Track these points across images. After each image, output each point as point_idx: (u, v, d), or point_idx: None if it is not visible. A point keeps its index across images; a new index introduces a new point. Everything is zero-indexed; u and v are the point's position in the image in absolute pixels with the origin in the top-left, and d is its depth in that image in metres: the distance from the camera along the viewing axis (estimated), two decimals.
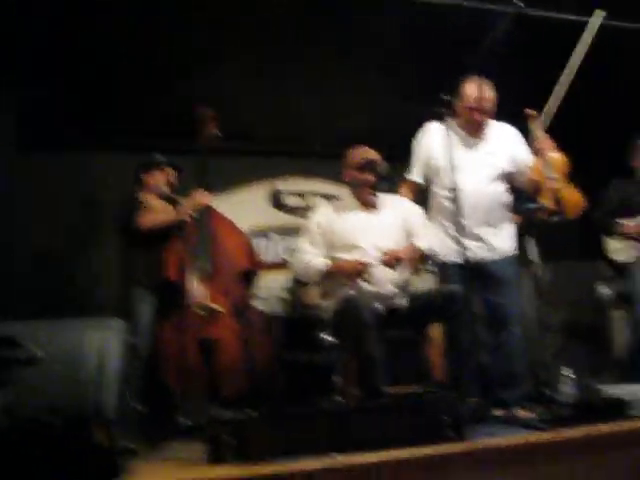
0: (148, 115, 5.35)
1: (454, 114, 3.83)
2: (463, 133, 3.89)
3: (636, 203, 4.97)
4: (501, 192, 3.91)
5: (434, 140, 3.77)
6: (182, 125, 4.55)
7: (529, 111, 3.81)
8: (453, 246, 3.66)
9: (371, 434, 2.42)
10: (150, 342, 4.08)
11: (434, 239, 3.74)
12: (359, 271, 3.50)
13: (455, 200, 3.29)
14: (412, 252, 3.57)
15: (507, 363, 3.73)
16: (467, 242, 3.68)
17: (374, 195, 3.74)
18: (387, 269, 3.56)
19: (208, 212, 4.31)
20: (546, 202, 3.71)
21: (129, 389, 2.32)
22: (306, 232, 3.83)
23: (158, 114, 5.36)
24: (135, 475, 2.21)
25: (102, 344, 2.15)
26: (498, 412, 3.32)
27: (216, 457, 2.38)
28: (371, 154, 3.77)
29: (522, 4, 3.06)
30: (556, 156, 3.76)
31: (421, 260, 3.60)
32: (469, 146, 3.84)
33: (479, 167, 3.81)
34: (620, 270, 5.13)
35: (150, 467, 2.50)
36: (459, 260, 3.58)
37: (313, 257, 3.70)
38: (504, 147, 3.90)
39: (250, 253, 4.42)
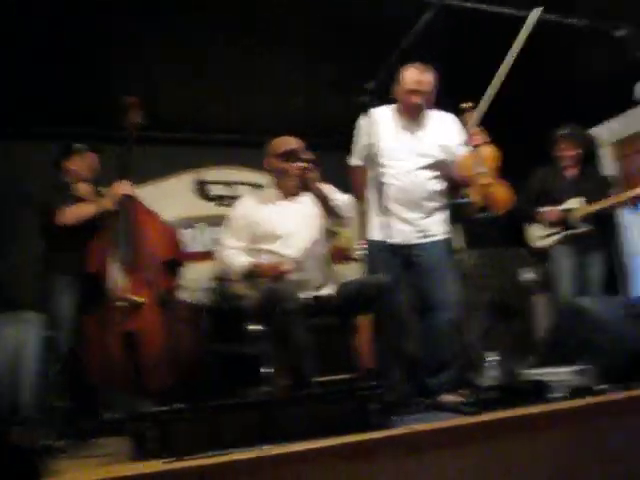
0: (68, 103, 5.21)
1: (394, 99, 3.84)
2: (401, 117, 3.89)
3: (556, 191, 5.10)
4: (433, 178, 3.91)
5: (373, 125, 3.74)
6: (104, 113, 4.46)
7: (464, 104, 3.80)
8: (385, 229, 3.63)
9: (298, 424, 2.40)
10: (71, 336, 3.99)
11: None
12: (278, 274, 3.49)
13: (384, 184, 3.28)
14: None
15: (436, 349, 3.77)
16: (398, 225, 3.71)
17: (296, 184, 3.72)
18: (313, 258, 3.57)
19: (130, 202, 4.22)
20: (475, 198, 3.71)
21: (48, 385, 2.23)
22: (228, 224, 3.83)
23: (79, 102, 5.24)
24: (57, 474, 2.15)
25: (18, 339, 2.06)
26: (425, 398, 3.36)
27: (140, 452, 2.32)
28: (294, 143, 3.75)
29: None
30: (487, 150, 3.73)
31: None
32: (405, 131, 3.86)
33: (412, 152, 3.83)
34: (541, 256, 5.26)
35: (73, 465, 2.44)
36: (389, 241, 3.58)
37: (235, 254, 3.70)
38: (439, 134, 3.91)
39: (174, 243, 4.36)
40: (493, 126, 3.77)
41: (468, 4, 3.23)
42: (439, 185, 3.95)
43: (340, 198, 3.71)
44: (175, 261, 4.29)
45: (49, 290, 4.14)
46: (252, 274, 3.64)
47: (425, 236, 3.85)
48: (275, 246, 3.65)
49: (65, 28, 4.45)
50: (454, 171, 3.91)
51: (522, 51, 3.62)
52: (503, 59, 3.64)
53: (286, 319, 3.21)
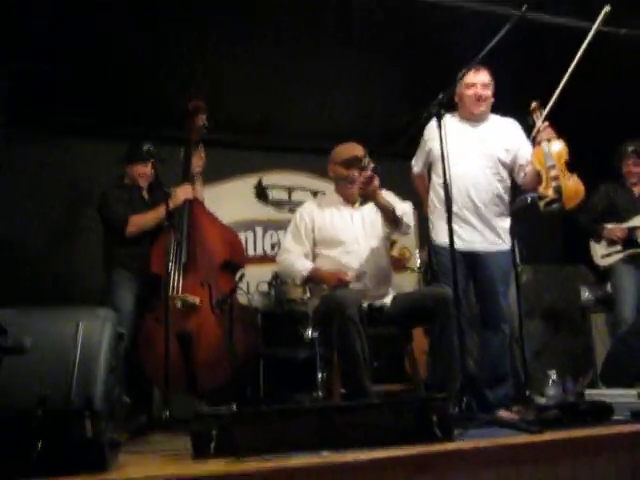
0: (134, 104, 5.31)
1: (453, 107, 3.83)
2: (462, 122, 3.88)
3: (622, 209, 5.02)
4: (497, 183, 3.87)
5: (435, 132, 3.73)
6: (169, 115, 4.53)
7: (533, 103, 3.84)
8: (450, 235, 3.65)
9: (358, 432, 2.40)
10: (131, 332, 4.06)
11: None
12: (339, 283, 3.48)
13: (449, 189, 3.25)
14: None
15: (494, 362, 3.74)
16: (463, 232, 3.70)
17: (358, 192, 3.66)
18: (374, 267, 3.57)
19: (191, 204, 4.30)
20: (546, 191, 3.67)
21: (117, 380, 2.28)
22: (290, 229, 3.83)
23: (144, 104, 5.33)
24: (121, 467, 2.19)
25: (93, 334, 2.10)
26: (484, 413, 3.33)
27: (201, 452, 2.35)
28: (357, 150, 3.74)
29: (523, 9, 3.02)
30: (557, 145, 3.74)
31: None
32: (467, 135, 3.83)
33: (475, 156, 3.81)
34: (603, 275, 5.18)
35: (134, 459, 2.48)
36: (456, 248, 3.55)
37: (297, 258, 3.69)
38: (502, 138, 3.89)
39: (233, 246, 4.40)
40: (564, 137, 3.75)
41: (545, 17, 3.18)
42: (503, 189, 3.90)
43: (401, 207, 3.69)
44: (233, 263, 4.34)
45: (111, 285, 4.27)
46: (312, 279, 3.65)
47: (490, 244, 3.82)
48: (336, 252, 3.64)
49: (131, 29, 4.54)
50: (522, 175, 3.89)
51: (594, 62, 3.58)
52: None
53: (345, 326, 3.18)
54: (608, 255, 5.02)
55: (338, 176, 3.80)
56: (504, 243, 3.87)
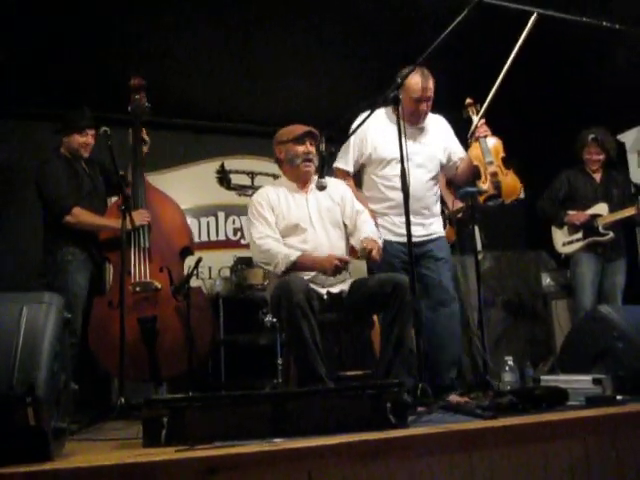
0: (74, 83, 5.15)
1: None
2: (402, 123, 3.84)
3: (583, 196, 5.06)
4: (435, 181, 4.01)
5: (371, 129, 3.74)
6: (114, 97, 4.42)
7: (469, 100, 3.93)
8: (393, 229, 3.80)
9: (311, 419, 2.37)
10: (82, 317, 3.97)
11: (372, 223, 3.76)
12: (337, 268, 3.38)
13: (396, 188, 3.29)
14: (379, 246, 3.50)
15: (444, 344, 3.78)
16: (401, 226, 3.69)
17: (308, 171, 3.65)
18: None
19: (146, 189, 4.23)
20: (484, 186, 3.80)
21: (64, 367, 2.23)
22: (256, 217, 3.63)
23: (88, 82, 5.19)
24: (68, 456, 2.14)
25: (36, 319, 2.04)
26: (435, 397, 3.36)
27: (152, 439, 2.31)
28: (302, 127, 3.66)
29: None
30: (493, 141, 3.86)
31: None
32: (408, 136, 3.76)
33: (417, 157, 3.81)
34: (564, 261, 5.22)
35: (84, 448, 2.44)
36: (398, 240, 3.70)
37: (280, 244, 3.53)
38: (439, 138, 4.00)
39: (188, 231, 4.36)
40: (520, 124, 3.77)
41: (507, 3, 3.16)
42: (437, 188, 4.06)
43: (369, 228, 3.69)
44: (188, 249, 4.30)
45: (61, 266, 4.08)
46: (302, 265, 3.46)
47: (432, 233, 3.95)
48: (294, 240, 3.57)
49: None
50: (455, 171, 4.07)
51: (555, 52, 3.58)
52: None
53: (292, 312, 3.14)
54: (569, 243, 5.07)
55: (290, 155, 3.65)
56: (441, 231, 4.04)
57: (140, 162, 4.27)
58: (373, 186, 3.95)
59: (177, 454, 2.07)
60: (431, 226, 3.96)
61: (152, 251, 4.06)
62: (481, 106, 3.86)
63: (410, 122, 3.83)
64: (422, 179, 3.86)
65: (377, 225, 3.81)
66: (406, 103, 3.79)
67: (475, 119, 3.87)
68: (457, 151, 4.04)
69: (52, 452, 2.00)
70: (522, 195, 3.93)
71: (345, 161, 3.98)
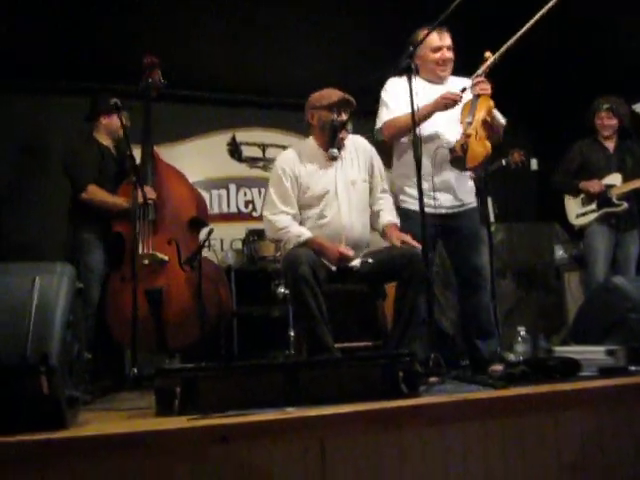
0: (93, 57, 5.16)
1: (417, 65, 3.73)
2: (424, 83, 3.79)
3: (595, 165, 5.00)
4: None
5: (400, 92, 3.65)
6: (132, 68, 4.40)
7: (488, 54, 3.68)
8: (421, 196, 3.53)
9: (323, 388, 2.38)
10: (99, 291, 4.03)
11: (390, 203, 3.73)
12: (339, 260, 3.39)
13: (418, 149, 3.21)
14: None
15: (478, 318, 3.76)
16: (432, 193, 3.61)
17: (345, 139, 3.60)
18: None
19: (154, 161, 4.23)
20: (457, 146, 3.61)
21: (77, 337, 2.24)
22: (275, 185, 3.57)
23: (105, 56, 5.18)
24: (82, 425, 2.16)
25: (49, 289, 2.05)
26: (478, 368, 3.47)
27: (165, 409, 2.32)
28: (339, 94, 3.57)
29: None
30: (483, 102, 3.63)
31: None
32: (432, 97, 3.66)
33: (442, 118, 3.70)
34: (577, 233, 5.18)
35: (98, 417, 2.46)
36: (428, 210, 3.45)
37: (292, 222, 3.49)
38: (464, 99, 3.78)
39: (198, 202, 4.36)
40: (534, 95, 3.69)
41: None
42: None
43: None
44: (199, 220, 4.29)
45: (81, 243, 4.20)
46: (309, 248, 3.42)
47: (462, 205, 3.80)
48: (315, 211, 3.53)
49: None
50: None
51: (568, 19, 3.50)
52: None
53: (298, 284, 3.14)
54: (583, 214, 5.02)
55: (322, 122, 3.56)
56: (471, 202, 3.87)
57: (149, 139, 4.25)
58: (403, 152, 3.81)
59: (189, 422, 2.08)
60: (463, 194, 3.82)
61: (158, 224, 4.07)
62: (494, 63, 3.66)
63: (432, 81, 3.80)
64: (448, 140, 3.71)
65: (405, 194, 3.77)
66: (427, 59, 3.80)
67: (480, 72, 3.67)
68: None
69: (66, 420, 2.02)
70: (484, 165, 3.80)
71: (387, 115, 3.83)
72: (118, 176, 4.32)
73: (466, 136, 3.57)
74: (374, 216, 3.69)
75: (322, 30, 5.22)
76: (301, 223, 3.54)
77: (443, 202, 3.71)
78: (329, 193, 3.54)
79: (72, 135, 4.48)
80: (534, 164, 5.61)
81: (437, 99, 3.51)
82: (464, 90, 3.57)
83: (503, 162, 4.90)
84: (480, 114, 3.60)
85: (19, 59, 5.03)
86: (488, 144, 3.59)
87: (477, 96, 3.65)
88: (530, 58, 3.74)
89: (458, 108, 3.67)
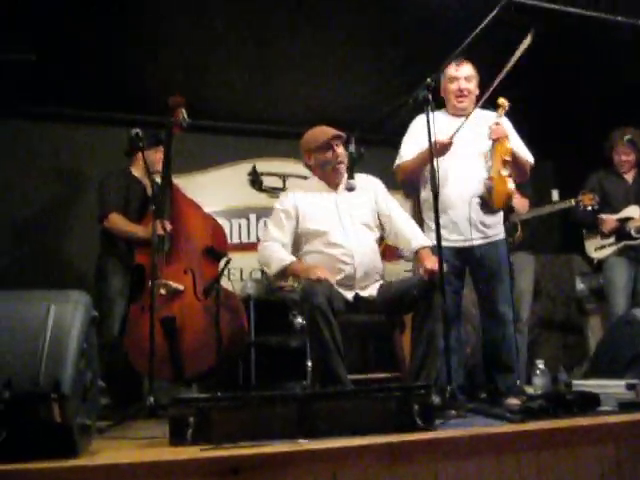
0: (123, 89, 5.24)
1: (439, 98, 3.77)
2: (450, 117, 3.82)
3: (614, 198, 4.97)
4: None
5: (420, 130, 3.65)
6: (155, 99, 4.46)
7: (501, 100, 3.75)
8: (446, 231, 3.62)
9: (337, 420, 2.36)
10: (119, 322, 4.08)
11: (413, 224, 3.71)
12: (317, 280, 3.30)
13: (436, 181, 3.23)
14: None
15: (498, 350, 3.74)
16: (457, 227, 3.70)
17: (341, 173, 3.63)
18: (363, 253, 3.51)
19: (172, 193, 4.26)
20: (483, 190, 3.73)
21: (91, 365, 2.24)
22: (273, 215, 3.68)
23: (135, 88, 5.27)
24: (93, 453, 2.16)
25: (64, 317, 2.06)
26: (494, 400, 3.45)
27: (178, 438, 2.32)
28: (328, 131, 3.63)
29: None
30: (500, 145, 3.71)
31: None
32: (456, 127, 3.69)
33: (466, 151, 3.75)
34: (597, 266, 5.14)
35: (111, 445, 2.45)
36: (448, 244, 3.56)
37: (277, 249, 3.53)
38: (486, 130, 3.81)
39: (215, 232, 4.38)
40: (551, 127, 3.69)
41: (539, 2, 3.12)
42: None
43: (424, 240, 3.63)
44: (216, 250, 4.31)
45: (105, 273, 4.28)
46: (287, 273, 3.52)
47: (486, 237, 3.78)
48: (320, 242, 3.53)
49: (113, 15, 4.45)
50: None
51: (582, 51, 3.49)
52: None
53: (313, 314, 3.13)
54: (601, 247, 4.98)
55: (320, 162, 3.64)
56: (497, 234, 3.84)
57: (168, 172, 4.29)
58: (424, 183, 3.86)
59: (202, 453, 2.07)
60: (489, 227, 3.80)
61: (174, 254, 4.10)
62: (511, 108, 3.75)
63: (456, 114, 3.83)
64: (475, 173, 3.76)
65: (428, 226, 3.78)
66: (447, 90, 3.88)
67: (498, 120, 3.76)
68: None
69: (78, 448, 2.02)
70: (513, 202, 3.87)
71: (406, 155, 3.87)
72: (145, 207, 4.37)
73: (490, 179, 3.69)
74: (403, 240, 3.66)
75: (342, 61, 5.25)
76: (305, 249, 3.59)
77: (469, 234, 3.72)
78: (334, 220, 3.57)
79: (106, 166, 4.57)
80: (555, 195, 5.56)
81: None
82: (456, 132, 3.59)
83: (572, 202, 4.78)
84: (498, 157, 3.68)
85: (54, 87, 5.12)
86: (511, 184, 3.67)
87: (494, 141, 3.72)
88: (549, 89, 3.73)
89: (476, 138, 3.74)
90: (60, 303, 2.09)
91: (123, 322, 4.13)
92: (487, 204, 3.71)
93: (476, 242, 3.74)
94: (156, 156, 4.39)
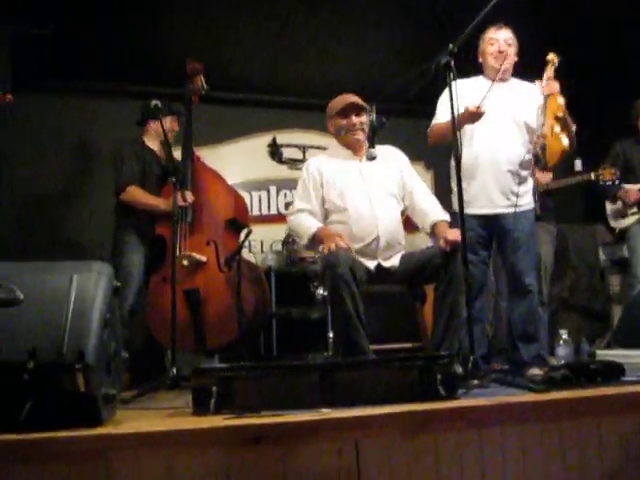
0: (140, 61, 5.22)
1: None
2: (487, 82, 3.76)
3: (637, 165, 4.91)
4: (521, 146, 3.79)
5: (463, 89, 3.59)
6: (175, 73, 4.45)
7: (551, 56, 3.72)
8: (474, 199, 3.63)
9: (360, 389, 2.37)
10: (138, 293, 4.09)
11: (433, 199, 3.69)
12: (335, 246, 3.28)
13: (458, 148, 3.18)
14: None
15: (523, 321, 3.71)
16: (488, 195, 3.68)
17: (362, 140, 3.61)
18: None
19: (193, 164, 4.26)
20: (534, 148, 3.67)
21: (115, 335, 2.26)
22: (299, 185, 3.70)
23: (153, 61, 5.24)
24: (118, 422, 2.18)
25: (86, 287, 2.07)
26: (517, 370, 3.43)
27: (201, 408, 2.33)
28: (350, 97, 3.63)
29: None
30: (553, 101, 3.65)
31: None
32: (493, 94, 3.61)
33: (503, 116, 3.72)
34: (620, 235, 5.09)
35: (134, 415, 2.47)
36: (475, 212, 3.58)
37: (304, 217, 3.56)
38: (525, 101, 3.80)
39: (237, 204, 4.37)
40: (575, 93, 3.64)
41: None
42: (527, 152, 3.79)
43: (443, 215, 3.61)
44: (238, 222, 4.31)
45: (122, 246, 4.27)
46: (316, 240, 3.49)
47: (516, 205, 3.71)
48: (343, 214, 3.53)
49: None
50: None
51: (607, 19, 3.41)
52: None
53: (336, 285, 3.12)
54: (623, 216, 4.92)
55: (338, 128, 3.65)
56: (527, 204, 3.81)
57: (190, 143, 4.29)
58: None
59: (224, 422, 2.09)
60: (520, 196, 3.73)
61: (196, 226, 4.10)
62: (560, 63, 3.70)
63: (493, 72, 3.77)
64: (507, 140, 3.73)
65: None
66: (485, 52, 3.83)
67: (547, 75, 3.70)
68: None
69: (102, 417, 2.04)
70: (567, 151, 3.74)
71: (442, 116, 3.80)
72: (163, 179, 4.36)
73: (542, 137, 3.62)
74: (420, 215, 3.66)
75: (361, 31, 5.20)
76: (330, 218, 3.58)
77: (499, 202, 3.69)
78: (358, 188, 3.56)
79: (122, 138, 4.55)
80: (578, 165, 5.50)
81: (463, 111, 3.36)
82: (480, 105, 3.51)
83: (592, 176, 4.75)
84: (550, 113, 3.62)
85: (70, 61, 5.11)
86: (565, 140, 3.62)
87: (547, 96, 3.66)
88: (573, 57, 3.66)
89: (513, 104, 3.71)
90: (83, 273, 2.10)
91: (139, 294, 4.16)
92: (539, 161, 3.67)
93: (505, 210, 3.72)
94: (172, 125, 4.41)
